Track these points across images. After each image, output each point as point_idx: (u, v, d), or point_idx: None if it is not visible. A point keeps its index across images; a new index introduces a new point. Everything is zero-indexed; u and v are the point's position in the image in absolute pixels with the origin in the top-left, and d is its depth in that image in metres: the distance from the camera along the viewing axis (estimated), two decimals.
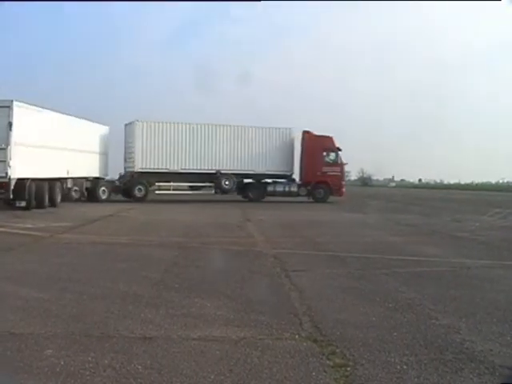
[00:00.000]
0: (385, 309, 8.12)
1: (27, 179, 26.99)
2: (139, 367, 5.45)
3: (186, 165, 39.99)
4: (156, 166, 39.59)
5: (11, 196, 26.37)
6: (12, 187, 26.08)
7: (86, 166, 35.88)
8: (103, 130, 40.11)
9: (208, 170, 40.27)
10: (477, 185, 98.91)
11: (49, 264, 11.71)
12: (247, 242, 15.73)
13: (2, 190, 26.01)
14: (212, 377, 5.27)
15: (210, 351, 6.02)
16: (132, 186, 39.47)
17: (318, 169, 41.70)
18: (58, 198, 30.94)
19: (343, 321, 7.36)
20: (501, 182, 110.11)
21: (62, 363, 5.50)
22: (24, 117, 27.10)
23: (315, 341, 6.44)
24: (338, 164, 42.29)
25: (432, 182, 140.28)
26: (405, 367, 5.60)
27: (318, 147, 41.76)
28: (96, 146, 38.32)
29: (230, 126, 41.52)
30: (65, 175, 32.01)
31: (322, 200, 41.43)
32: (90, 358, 5.64)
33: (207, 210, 31.42)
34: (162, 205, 35.13)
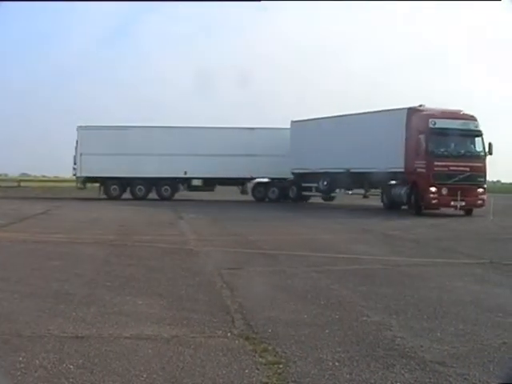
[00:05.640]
0: (316, 306, 8.25)
1: (102, 177, 38.72)
2: (71, 367, 5.42)
3: (324, 164, 34.54)
4: (302, 167, 37.08)
5: (80, 186, 40.46)
6: (81, 182, 40.11)
7: (237, 167, 38.39)
8: (282, 134, 39.27)
9: (339, 168, 33.32)
10: None
11: None
12: (180, 240, 15.73)
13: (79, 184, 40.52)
14: (144, 375, 5.29)
15: (142, 350, 6.04)
16: (287, 187, 39.90)
17: (412, 163, 28.47)
18: (166, 193, 39.37)
19: (275, 318, 7.45)
20: None
21: None
22: (88, 136, 38.63)
23: (247, 338, 6.52)
24: (424, 155, 27.80)
25: None
26: (337, 364, 5.71)
27: (415, 130, 28.45)
28: (259, 150, 38.44)
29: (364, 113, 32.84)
30: (180, 175, 39.03)
31: (416, 210, 28.02)
32: (20, 359, 5.58)
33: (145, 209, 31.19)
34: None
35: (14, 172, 79.70)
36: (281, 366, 5.63)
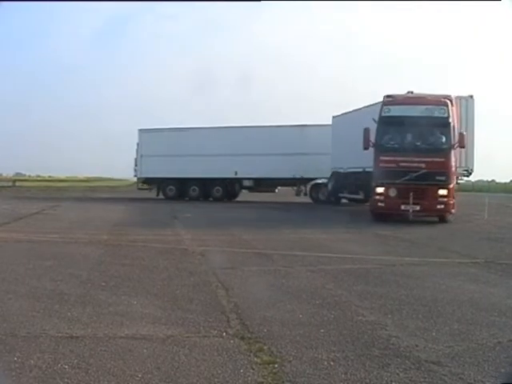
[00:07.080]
0: (312, 306, 8.24)
1: (160, 178, 39.74)
2: (66, 367, 5.41)
3: (350, 163, 30.84)
4: (338, 166, 33.32)
5: (141, 186, 42.38)
6: (141, 182, 42.20)
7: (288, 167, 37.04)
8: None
9: (355, 168, 29.97)
10: None
11: None
12: (174, 240, 15.71)
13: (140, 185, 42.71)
14: (140, 375, 5.28)
15: (138, 349, 6.03)
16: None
17: None
18: (217, 194, 39.21)
19: (270, 318, 7.45)
20: None
21: None
22: (148, 138, 40.26)
23: (242, 338, 6.52)
24: (374, 149, 23.10)
25: None
26: (332, 363, 5.71)
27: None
28: (312, 148, 35.92)
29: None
30: (230, 176, 38.66)
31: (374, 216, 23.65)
32: (15, 359, 5.57)
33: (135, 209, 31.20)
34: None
35: (8, 172, 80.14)
36: (276, 365, 5.63)
